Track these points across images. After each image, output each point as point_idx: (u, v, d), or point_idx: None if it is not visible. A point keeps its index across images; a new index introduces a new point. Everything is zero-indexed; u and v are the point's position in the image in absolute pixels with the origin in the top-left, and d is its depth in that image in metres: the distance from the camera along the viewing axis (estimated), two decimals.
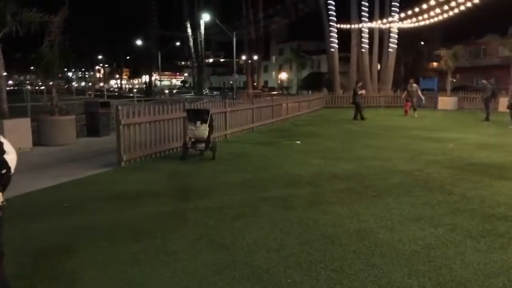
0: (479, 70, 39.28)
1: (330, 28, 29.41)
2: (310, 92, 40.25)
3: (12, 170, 1.65)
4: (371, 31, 29.27)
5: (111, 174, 7.14)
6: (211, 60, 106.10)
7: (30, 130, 10.06)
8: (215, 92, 54.92)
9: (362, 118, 17.75)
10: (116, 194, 5.74)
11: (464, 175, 6.86)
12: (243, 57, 68.84)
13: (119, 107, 7.91)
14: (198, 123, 8.60)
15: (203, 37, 49.78)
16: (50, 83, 12.63)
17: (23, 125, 9.83)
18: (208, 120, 8.62)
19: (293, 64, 64.55)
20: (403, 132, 13.05)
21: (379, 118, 18.71)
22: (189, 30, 49.64)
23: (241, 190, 5.94)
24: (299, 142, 11.11)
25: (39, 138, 10.53)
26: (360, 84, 20.07)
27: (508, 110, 14.92)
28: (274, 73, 78.11)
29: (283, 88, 60.98)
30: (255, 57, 49.79)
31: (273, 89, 58.77)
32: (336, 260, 3.57)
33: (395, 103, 25.11)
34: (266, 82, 69.16)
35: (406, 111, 19.24)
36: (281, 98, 19.64)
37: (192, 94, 47.17)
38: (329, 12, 29.22)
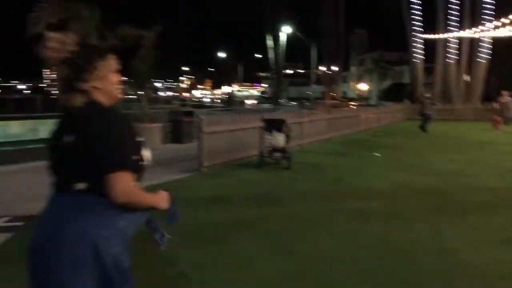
0: None
1: (414, 38, 28.35)
2: (390, 103, 38.99)
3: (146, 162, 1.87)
4: (459, 40, 27.75)
5: (191, 180, 7.48)
6: (289, 71, 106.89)
7: None
8: (292, 103, 55.12)
9: (422, 128, 17.12)
10: (194, 199, 5.99)
11: None
12: (321, 68, 68.68)
13: (202, 116, 8.30)
14: (275, 132, 8.75)
15: (283, 48, 50.31)
16: (139, 92, 13.57)
17: None
18: (285, 130, 8.73)
19: (374, 75, 62.97)
20: (493, 148, 12.18)
21: (465, 132, 17.64)
22: (270, 42, 50.43)
23: (315, 200, 5.94)
24: (378, 154, 10.83)
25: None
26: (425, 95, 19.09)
27: None
28: (353, 83, 76.76)
29: (362, 99, 59.63)
30: (334, 68, 49.30)
31: (351, 100, 57.66)
32: (414, 278, 3.45)
33: (484, 117, 23.49)
34: (344, 93, 68.06)
35: (496, 125, 17.89)
36: (360, 108, 19.25)
37: (270, 104, 47.79)
38: (413, 22, 28.20)
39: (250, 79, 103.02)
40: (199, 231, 4.53)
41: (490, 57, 27.65)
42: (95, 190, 1.62)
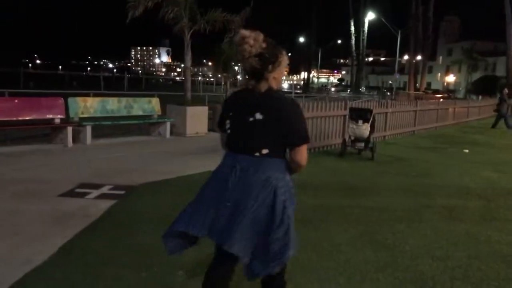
0: None
1: None
2: (480, 97, 36.45)
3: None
4: None
5: None
6: (371, 59, 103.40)
7: (207, 117, 11.31)
8: (372, 92, 53.47)
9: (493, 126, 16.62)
10: None
11: None
12: (406, 57, 65.53)
13: None
14: (360, 122, 8.62)
15: (366, 35, 48.76)
16: (224, 75, 13.98)
17: (202, 113, 11.09)
18: (370, 120, 8.57)
19: (463, 66, 59.11)
20: None
21: None
22: (352, 28, 49.10)
23: (402, 194, 5.82)
24: (467, 150, 10.27)
25: (212, 125, 11.76)
26: (506, 91, 17.81)
27: None
28: (439, 74, 72.66)
29: (449, 91, 56.32)
30: (419, 57, 46.88)
31: (437, 91, 54.67)
32: (494, 281, 3.31)
33: None
34: (429, 84, 64.71)
35: None
36: (448, 102, 18.25)
37: (349, 92, 46.77)
38: None
39: (329, 66, 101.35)
40: None
41: None
42: (273, 154, 2.16)
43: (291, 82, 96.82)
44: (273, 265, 2.13)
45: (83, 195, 5.19)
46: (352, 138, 8.79)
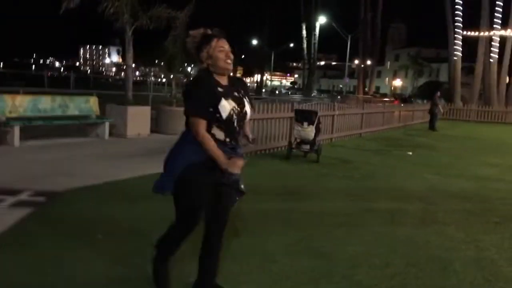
0: None
1: (455, 35, 27.28)
2: (425, 101, 37.86)
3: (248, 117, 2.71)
4: (502, 39, 26.55)
5: None
6: (322, 63, 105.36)
7: (149, 118, 10.81)
8: (323, 95, 54.38)
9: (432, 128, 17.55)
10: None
11: None
12: (356, 61, 67.29)
13: None
14: (305, 124, 8.47)
15: (317, 39, 49.47)
16: (171, 76, 13.49)
17: (144, 113, 10.59)
18: (316, 122, 8.45)
19: (409, 71, 61.42)
20: None
21: (505, 135, 16.84)
22: (304, 32, 49.66)
23: (345, 197, 5.68)
24: (411, 153, 10.42)
25: (156, 126, 11.27)
26: (438, 94, 19.04)
27: None
28: (387, 79, 75.20)
29: (396, 96, 58.28)
30: (369, 62, 48.20)
31: (384, 95, 56.43)
32: None
33: None
34: (377, 88, 66.78)
35: None
36: (394, 105, 18.69)
37: (300, 95, 47.27)
38: (456, 18, 27.11)
39: (282, 69, 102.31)
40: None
41: None
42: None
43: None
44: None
45: None
46: (298, 140, 8.63)
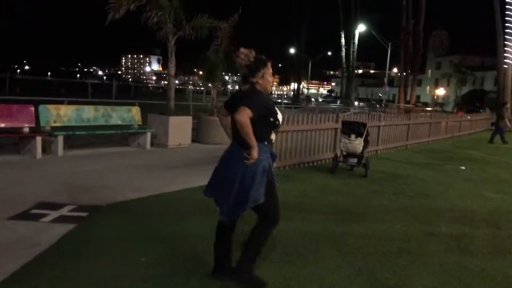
0: None
1: (505, 42, 25.98)
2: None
3: (280, 122, 3.17)
4: None
5: None
6: (360, 71, 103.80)
7: (191, 127, 10.67)
8: (362, 103, 53.28)
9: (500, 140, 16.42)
10: None
11: None
12: (395, 69, 65.64)
13: None
14: (353, 136, 8.06)
15: (356, 47, 48.62)
16: (210, 84, 13.35)
17: (185, 123, 10.45)
18: (364, 134, 8.02)
19: (452, 80, 59.35)
20: None
21: None
22: (343, 40, 48.95)
23: (401, 218, 5.22)
24: (464, 167, 9.76)
25: (197, 135, 11.13)
26: (507, 106, 17.86)
27: None
28: (428, 88, 73.03)
29: (438, 105, 56.43)
30: (409, 70, 46.83)
31: (426, 104, 54.74)
32: None
33: None
34: (418, 97, 64.91)
35: None
36: (441, 115, 17.86)
37: (338, 103, 46.50)
38: (506, 24, 25.84)
39: (319, 77, 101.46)
40: (274, 245, 4.02)
41: None
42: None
43: (281, 92, 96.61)
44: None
45: (38, 217, 4.50)
46: (344, 153, 8.22)
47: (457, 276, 3.58)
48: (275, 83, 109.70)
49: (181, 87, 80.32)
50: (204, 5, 11.31)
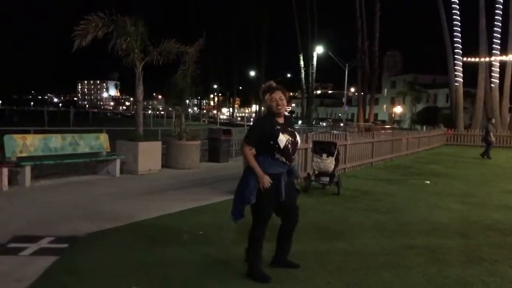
0: None
1: (455, 62, 27.51)
2: (424, 127, 37.85)
3: (280, 145, 3.61)
4: (502, 64, 26.77)
5: None
6: (319, 92, 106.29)
7: (161, 152, 10.61)
8: (323, 123, 54.43)
9: (487, 157, 16.94)
10: (247, 224, 5.56)
11: None
12: (352, 89, 67.67)
13: None
14: (324, 155, 8.27)
15: (314, 69, 49.97)
16: (173, 108, 13.34)
17: (155, 148, 10.39)
18: (335, 153, 8.25)
19: (407, 98, 61.83)
20: None
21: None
22: (302, 62, 50.21)
23: (378, 234, 5.40)
24: (428, 182, 10.18)
25: (166, 161, 11.05)
26: (493, 121, 18.51)
27: None
28: (385, 106, 75.65)
29: (395, 122, 58.46)
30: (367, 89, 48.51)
31: (384, 122, 56.61)
32: None
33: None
34: (376, 115, 67.11)
35: None
36: (401, 133, 18.55)
37: (300, 124, 47.31)
38: (455, 45, 27.41)
39: None
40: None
41: None
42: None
43: (243, 114, 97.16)
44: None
45: (17, 251, 4.35)
46: (316, 172, 8.41)
47: (441, 286, 3.75)
48: (235, 105, 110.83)
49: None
50: (167, 31, 11.40)
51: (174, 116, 12.94)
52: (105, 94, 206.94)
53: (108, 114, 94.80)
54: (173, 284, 3.64)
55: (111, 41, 9.64)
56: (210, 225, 5.51)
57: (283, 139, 3.58)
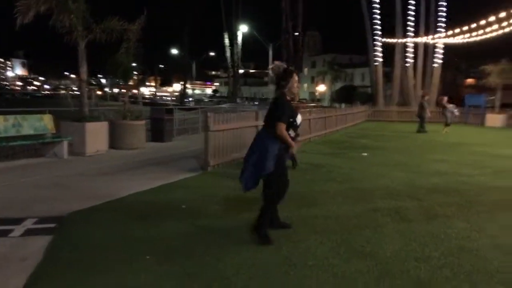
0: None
1: (374, 42, 29.34)
2: (343, 105, 40.06)
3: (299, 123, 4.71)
4: (415, 45, 29.08)
5: (204, 179, 7.34)
6: (241, 71, 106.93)
7: (107, 133, 10.38)
8: (254, 102, 55.10)
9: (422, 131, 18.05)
10: (222, 198, 5.86)
11: None
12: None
13: (209, 114, 8.11)
14: None
15: (240, 47, 50.29)
16: (123, 87, 12.97)
17: (101, 129, 10.15)
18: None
19: (327, 77, 64.45)
20: (465, 148, 12.83)
21: (429, 134, 18.33)
22: (227, 41, 50.24)
23: (345, 200, 5.97)
24: (366, 154, 11.10)
25: (112, 142, 10.83)
26: (426, 98, 19.76)
27: None
28: (306, 85, 78.20)
29: (316, 100, 60.88)
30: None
31: (306, 100, 58.73)
32: (496, 273, 3.55)
33: (439, 119, 24.71)
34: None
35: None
36: (331, 110, 19.65)
37: (227, 103, 47.60)
38: (374, 27, 29.19)
39: (203, 78, 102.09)
40: (238, 232, 4.42)
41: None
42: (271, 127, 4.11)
43: (166, 94, 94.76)
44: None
45: (4, 233, 4.27)
46: None
47: (413, 239, 4.36)
48: (156, 84, 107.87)
49: (52, 92, 74.11)
50: (111, 8, 11.01)
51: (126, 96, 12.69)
52: (10, 73, 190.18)
53: (15, 95, 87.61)
54: (181, 253, 3.86)
55: (53, 17, 9.15)
56: (190, 200, 5.72)
57: (300, 118, 4.45)
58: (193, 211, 5.20)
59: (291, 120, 4.16)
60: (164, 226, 4.62)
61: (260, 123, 9.68)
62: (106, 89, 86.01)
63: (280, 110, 4.07)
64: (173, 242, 4.14)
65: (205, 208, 5.36)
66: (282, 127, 4.01)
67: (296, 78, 4.23)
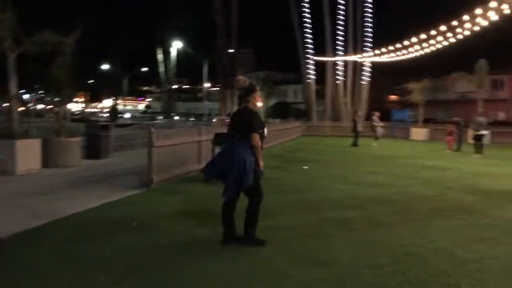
0: (437, 104, 40.91)
1: (307, 60, 30.46)
2: (277, 120, 40.99)
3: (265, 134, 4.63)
4: (345, 63, 30.58)
5: (149, 196, 7.18)
6: (175, 86, 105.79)
7: (40, 151, 9.82)
8: (191, 118, 54.48)
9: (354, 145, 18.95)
10: (171, 214, 5.77)
11: (488, 200, 7.31)
12: (208, 84, 69.13)
13: (152, 130, 7.96)
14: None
15: (174, 63, 49.89)
16: (56, 102, 12.25)
17: (33, 146, 9.61)
18: None
19: (262, 93, 65.70)
20: (395, 161, 13.62)
21: (360, 147, 19.20)
22: (161, 55, 49.64)
23: (294, 211, 6.12)
24: (306, 167, 11.42)
25: (45, 160, 10.23)
26: (359, 113, 20.85)
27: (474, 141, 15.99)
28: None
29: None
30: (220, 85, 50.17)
31: None
32: (442, 275, 3.81)
33: (369, 134, 26.06)
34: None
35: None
36: (268, 125, 19.99)
37: (162, 119, 46.82)
38: (306, 45, 30.35)
39: (134, 93, 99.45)
40: (199, 248, 4.40)
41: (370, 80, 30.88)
42: (244, 138, 4.37)
43: (93, 110, 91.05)
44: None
45: None
46: None
47: (362, 247, 4.56)
48: (84, 99, 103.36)
49: None
50: (47, 19, 10.52)
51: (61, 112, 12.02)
52: None
53: None
54: (137, 271, 3.74)
55: None
56: (139, 217, 5.56)
57: (266, 129, 4.62)
58: (145, 228, 5.07)
59: (261, 131, 4.42)
60: (117, 244, 4.46)
61: (204, 138, 9.70)
62: (30, 105, 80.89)
63: (254, 122, 4.36)
64: (128, 260, 4.01)
65: (156, 224, 5.25)
66: (257, 138, 4.30)
67: (259, 93, 4.64)
